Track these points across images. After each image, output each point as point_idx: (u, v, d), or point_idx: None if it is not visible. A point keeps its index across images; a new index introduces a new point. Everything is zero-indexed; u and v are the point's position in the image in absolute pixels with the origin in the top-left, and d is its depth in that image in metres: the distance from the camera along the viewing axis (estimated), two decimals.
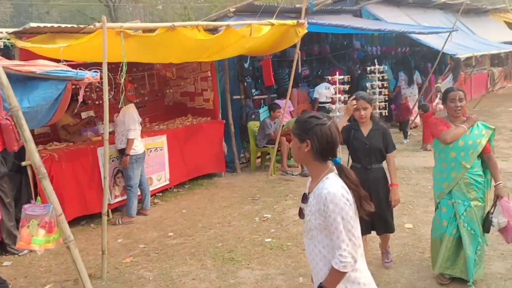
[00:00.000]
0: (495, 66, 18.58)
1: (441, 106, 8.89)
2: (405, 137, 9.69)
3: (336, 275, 1.88)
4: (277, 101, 8.37)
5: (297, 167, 8.28)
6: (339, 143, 1.99)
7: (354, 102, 3.65)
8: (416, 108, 10.31)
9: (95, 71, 3.77)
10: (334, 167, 1.98)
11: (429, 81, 11.16)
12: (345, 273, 1.88)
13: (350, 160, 3.89)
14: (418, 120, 10.51)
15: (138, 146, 5.96)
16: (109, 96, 4.18)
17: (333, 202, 1.84)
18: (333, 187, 1.87)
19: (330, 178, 1.93)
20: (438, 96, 9.78)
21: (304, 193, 2.13)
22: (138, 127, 5.91)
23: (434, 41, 10.34)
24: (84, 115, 7.28)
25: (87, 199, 5.85)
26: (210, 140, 7.55)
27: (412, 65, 11.29)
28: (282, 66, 9.38)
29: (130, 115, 5.77)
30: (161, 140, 6.93)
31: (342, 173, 1.96)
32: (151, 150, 6.70)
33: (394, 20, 10.50)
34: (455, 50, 10.23)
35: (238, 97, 8.42)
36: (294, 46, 6.87)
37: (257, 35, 5.56)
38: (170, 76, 8.01)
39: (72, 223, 5.44)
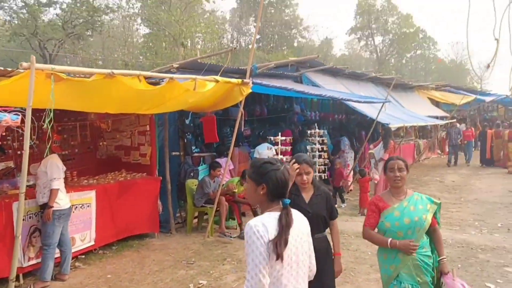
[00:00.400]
0: (420, 138, 19.98)
1: (376, 177, 9.17)
2: (342, 201, 9.77)
3: None
4: (218, 160, 8.14)
5: (236, 229, 7.93)
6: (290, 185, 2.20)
7: (296, 165, 3.33)
8: (351, 173, 10.55)
9: (15, 114, 3.35)
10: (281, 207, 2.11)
11: (364, 148, 11.61)
12: None
13: None
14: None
15: (63, 200, 5.37)
16: (31, 143, 3.71)
17: (247, 233, 2.00)
18: (253, 220, 2.02)
19: (265, 214, 2.09)
20: (372, 162, 10.13)
21: None
22: (63, 176, 5.36)
23: (368, 110, 10.89)
24: (1, 165, 6.55)
25: None
26: (144, 198, 7.05)
27: (351, 131, 11.74)
28: (224, 124, 9.29)
29: (54, 164, 5.24)
30: (89, 196, 6.33)
31: (282, 213, 2.06)
32: (76, 207, 6.07)
33: (332, 88, 11.00)
34: (388, 120, 10.80)
35: (177, 153, 8.11)
36: (237, 105, 6.82)
37: (201, 90, 5.41)
38: (104, 128, 7.57)
39: None
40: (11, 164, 6.69)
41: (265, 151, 8.83)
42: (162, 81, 5.23)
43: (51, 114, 3.67)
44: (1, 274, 5.12)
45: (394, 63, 50.73)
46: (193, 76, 5.29)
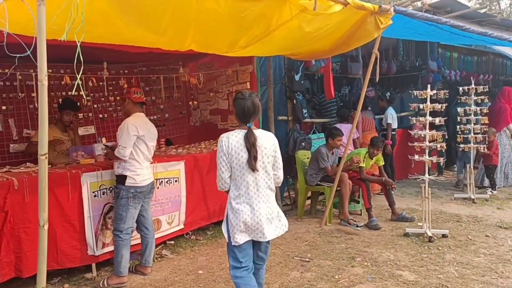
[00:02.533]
0: None
1: None
2: (493, 187, 7.31)
3: None
4: (338, 125, 6.35)
5: (360, 214, 6.11)
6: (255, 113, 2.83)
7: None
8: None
9: None
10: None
11: None
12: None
13: None
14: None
15: (141, 175, 4.06)
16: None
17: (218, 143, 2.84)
18: (224, 134, 2.84)
19: (235, 131, 2.84)
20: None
21: None
22: (143, 145, 4.06)
23: None
24: (81, 130, 5.54)
25: (59, 247, 3.96)
26: None
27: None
28: (341, 83, 7.41)
29: (124, 127, 3.93)
30: (177, 168, 5.00)
31: (246, 133, 2.77)
32: (162, 181, 4.78)
33: None
34: None
35: (284, 118, 6.47)
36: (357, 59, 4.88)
37: (323, 12, 3.64)
38: (195, 85, 6.17)
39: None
40: (91, 128, 5.68)
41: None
42: None
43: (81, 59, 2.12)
44: (69, 263, 4.04)
45: None
46: None
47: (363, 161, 5.70)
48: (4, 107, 5.33)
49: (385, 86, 8.83)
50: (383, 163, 6.15)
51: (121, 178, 4.01)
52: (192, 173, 5.14)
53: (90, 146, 5.06)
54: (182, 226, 5.05)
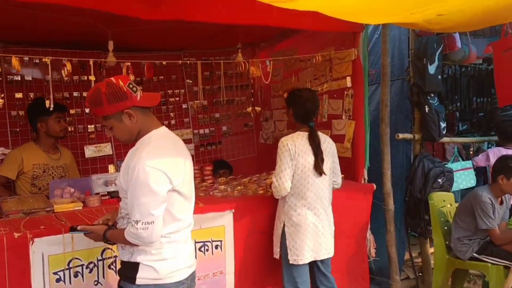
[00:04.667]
0: None
1: None
2: None
3: None
4: (502, 150, 3.71)
5: None
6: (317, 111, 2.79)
7: None
8: None
9: None
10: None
11: None
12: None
13: None
14: None
15: (173, 260, 1.89)
16: None
17: (279, 146, 2.65)
18: (286, 138, 2.65)
19: (296, 133, 2.70)
20: None
21: None
22: (179, 202, 1.88)
23: None
24: (90, 150, 3.64)
25: None
26: (339, 224, 3.17)
27: None
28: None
29: (143, 178, 1.71)
30: (220, 224, 2.85)
31: (310, 134, 2.66)
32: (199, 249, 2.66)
33: None
34: None
35: (408, 136, 3.94)
36: None
37: None
38: (263, 83, 3.92)
39: None
40: (107, 147, 3.76)
41: None
42: None
43: None
44: None
45: None
46: None
47: None
48: None
49: None
50: None
51: (130, 269, 1.88)
52: (246, 231, 2.95)
53: (86, 178, 3.09)
54: None
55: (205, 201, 2.91)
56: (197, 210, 2.73)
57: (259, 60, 3.13)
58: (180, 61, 3.15)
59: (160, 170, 1.73)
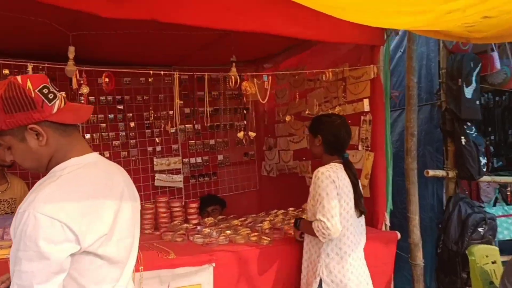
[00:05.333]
0: None
1: None
2: None
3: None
4: None
5: None
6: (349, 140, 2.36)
7: None
8: None
9: None
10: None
11: None
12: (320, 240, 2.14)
13: None
14: None
15: None
16: None
17: (319, 178, 2.16)
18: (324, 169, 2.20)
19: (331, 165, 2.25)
20: None
21: None
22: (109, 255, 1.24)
23: None
24: None
25: None
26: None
27: None
28: None
29: (29, 235, 1.07)
30: (197, 283, 2.17)
31: (346, 166, 2.26)
32: None
33: None
34: None
35: (440, 173, 3.21)
36: None
37: None
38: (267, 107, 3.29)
39: None
40: None
41: None
42: None
43: None
44: None
45: None
46: None
47: None
48: None
49: None
50: None
51: None
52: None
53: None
54: None
55: (179, 250, 2.27)
56: (166, 264, 2.10)
57: (254, 74, 2.51)
58: (162, 73, 2.55)
59: (60, 221, 1.09)
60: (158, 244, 2.38)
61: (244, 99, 3.44)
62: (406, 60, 3.10)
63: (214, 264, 2.20)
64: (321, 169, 2.21)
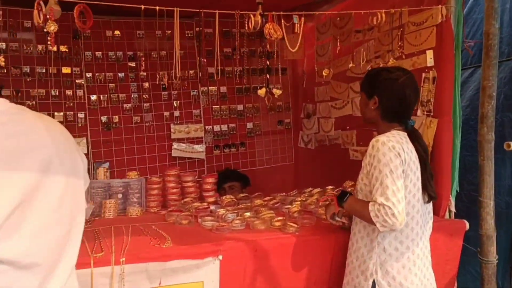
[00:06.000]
0: None
1: None
2: None
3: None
4: None
5: None
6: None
7: None
8: None
9: None
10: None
11: None
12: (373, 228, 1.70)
13: None
14: None
15: None
16: None
17: (379, 150, 1.68)
18: (382, 136, 1.73)
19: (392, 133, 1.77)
20: None
21: None
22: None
23: None
24: None
25: None
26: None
27: None
28: None
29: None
30: (198, 280, 1.71)
31: (413, 136, 1.78)
32: None
33: None
34: None
35: None
36: None
37: None
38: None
39: None
40: (82, 142, 2.76)
41: None
42: None
43: None
44: None
45: None
46: None
47: None
48: None
49: None
50: None
51: None
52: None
53: None
54: None
55: (179, 237, 1.81)
56: (157, 255, 1.65)
57: (281, 13, 1.93)
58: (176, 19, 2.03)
59: None
60: (156, 227, 1.93)
61: (278, 57, 2.81)
62: (483, 3, 2.39)
63: (220, 257, 1.72)
64: (381, 138, 1.71)
